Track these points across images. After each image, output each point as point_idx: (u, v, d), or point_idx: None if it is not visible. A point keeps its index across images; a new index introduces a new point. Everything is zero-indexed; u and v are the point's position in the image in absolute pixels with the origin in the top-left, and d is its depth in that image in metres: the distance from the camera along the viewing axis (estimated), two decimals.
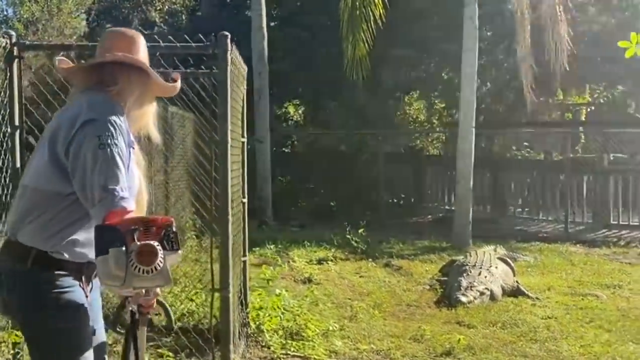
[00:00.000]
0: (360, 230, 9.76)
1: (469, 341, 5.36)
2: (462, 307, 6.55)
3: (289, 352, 4.78)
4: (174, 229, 2.10)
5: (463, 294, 6.74)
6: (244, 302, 4.92)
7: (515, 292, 7.27)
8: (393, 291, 7.44)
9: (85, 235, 2.29)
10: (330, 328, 5.51)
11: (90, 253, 2.24)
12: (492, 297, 6.96)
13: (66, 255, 2.30)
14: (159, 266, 1.97)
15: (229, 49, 3.76)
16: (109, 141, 2.19)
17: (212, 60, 3.88)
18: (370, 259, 9.18)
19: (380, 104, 14.98)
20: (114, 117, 2.26)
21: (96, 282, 2.46)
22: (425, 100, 17.97)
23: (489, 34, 16.08)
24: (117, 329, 2.45)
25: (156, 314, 2.55)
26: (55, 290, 2.29)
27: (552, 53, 10.82)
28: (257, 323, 4.79)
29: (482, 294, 6.87)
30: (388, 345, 5.31)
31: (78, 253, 2.32)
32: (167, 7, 18.01)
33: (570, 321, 6.23)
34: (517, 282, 7.57)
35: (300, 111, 15.63)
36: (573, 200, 12.77)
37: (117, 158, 2.19)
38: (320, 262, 8.76)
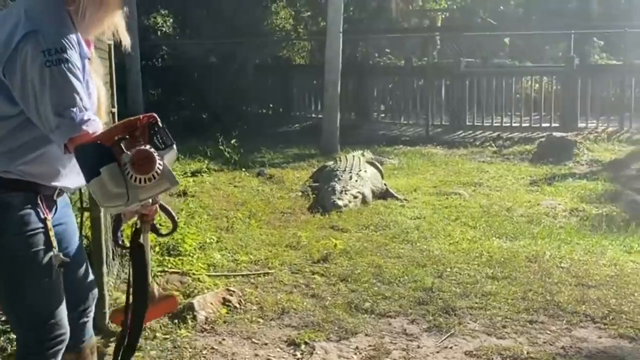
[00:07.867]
0: (233, 141, 9.63)
1: (345, 245, 5.43)
2: (335, 212, 6.65)
3: (166, 268, 4.66)
4: (160, 123, 1.89)
5: (339, 198, 6.87)
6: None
7: (384, 195, 7.51)
8: (267, 200, 7.46)
9: (47, 156, 2.03)
10: (208, 240, 5.45)
11: (58, 179, 2.08)
12: (364, 201, 7.15)
13: (18, 176, 2.02)
14: (160, 170, 1.79)
15: None
16: (57, 56, 1.86)
17: None
18: (243, 169, 9.15)
19: (248, 12, 14.53)
20: (58, 26, 1.93)
21: (64, 198, 2.27)
22: (291, 8, 17.64)
23: None
24: (120, 243, 2.26)
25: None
26: (10, 213, 2.02)
27: None
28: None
29: (355, 197, 7.04)
30: (265, 254, 5.30)
31: (37, 174, 2.04)
32: None
33: (437, 220, 6.49)
34: (385, 184, 7.82)
35: (168, 22, 14.79)
36: (433, 104, 13.26)
37: (69, 75, 1.88)
38: (194, 174, 8.64)
